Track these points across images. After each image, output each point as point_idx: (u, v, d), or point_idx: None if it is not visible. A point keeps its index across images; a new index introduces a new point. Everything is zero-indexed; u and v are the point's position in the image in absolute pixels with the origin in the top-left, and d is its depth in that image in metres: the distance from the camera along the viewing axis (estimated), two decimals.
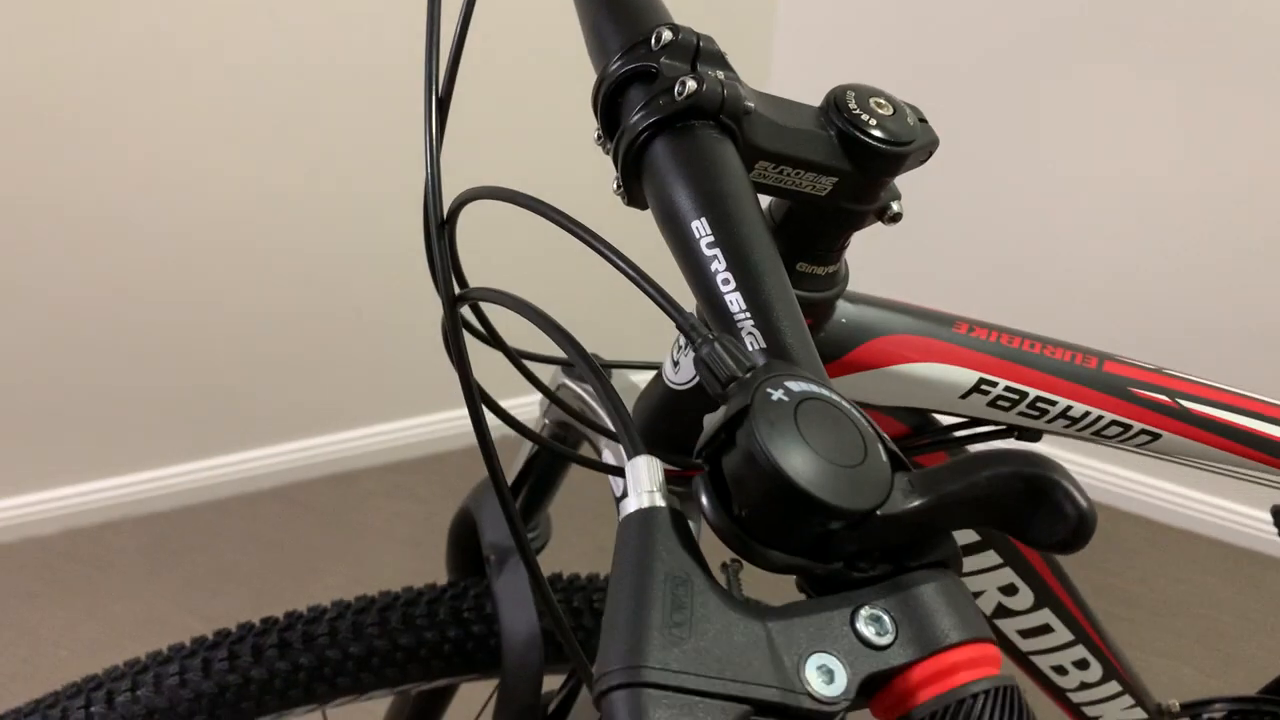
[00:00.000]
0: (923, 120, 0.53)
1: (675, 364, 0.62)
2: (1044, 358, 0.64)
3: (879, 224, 0.56)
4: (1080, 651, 0.84)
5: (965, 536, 0.74)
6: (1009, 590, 0.79)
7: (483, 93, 1.82)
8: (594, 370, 0.40)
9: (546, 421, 0.79)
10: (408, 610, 0.76)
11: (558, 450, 0.66)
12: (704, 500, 0.33)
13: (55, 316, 1.90)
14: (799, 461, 0.31)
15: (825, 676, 0.31)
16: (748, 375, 0.35)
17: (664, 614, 0.31)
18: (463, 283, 0.54)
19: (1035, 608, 0.80)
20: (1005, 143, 2.22)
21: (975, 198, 2.28)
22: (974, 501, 0.33)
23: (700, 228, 0.43)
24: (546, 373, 0.76)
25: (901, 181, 0.54)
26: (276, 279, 2.04)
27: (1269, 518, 1.22)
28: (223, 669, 0.73)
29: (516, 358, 0.60)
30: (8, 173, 1.76)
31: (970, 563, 0.76)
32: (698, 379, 0.60)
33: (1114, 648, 0.88)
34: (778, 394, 0.33)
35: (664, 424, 0.64)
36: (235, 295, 2.02)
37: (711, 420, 0.34)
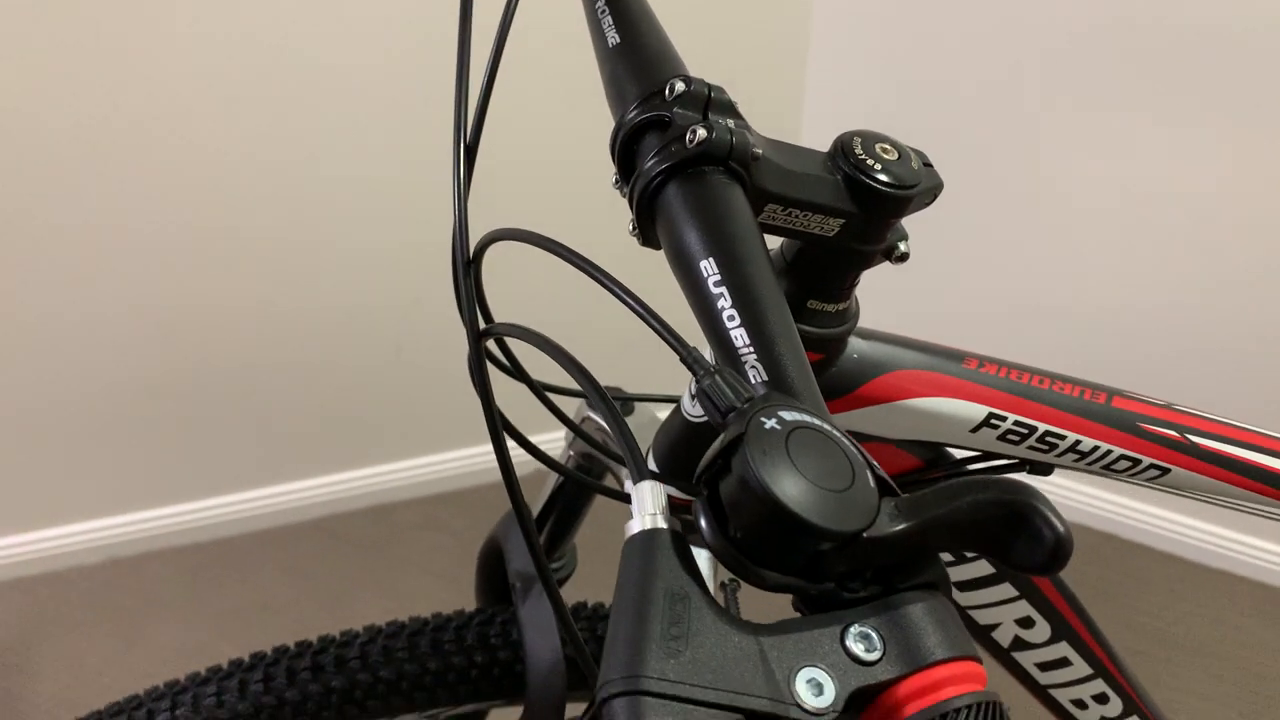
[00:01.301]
0: (928, 165, 0.55)
1: (693, 397, 0.64)
2: (1053, 393, 0.65)
3: (887, 263, 0.58)
4: (1099, 685, 0.85)
5: (981, 569, 0.76)
6: (1025, 623, 0.80)
7: (512, 139, 1.86)
8: (605, 401, 0.43)
9: (571, 454, 0.81)
10: (436, 636, 0.79)
11: (579, 480, 0.68)
12: (702, 523, 0.36)
13: (102, 347, 1.95)
14: (789, 486, 0.34)
15: (814, 689, 0.33)
16: (745, 405, 0.37)
17: (662, 627, 0.33)
18: (488, 318, 0.57)
19: (1052, 640, 0.81)
20: (1019, 184, 2.24)
21: (985, 237, 2.29)
22: (957, 526, 0.35)
23: (708, 267, 0.45)
24: (572, 406, 0.78)
25: (915, 220, 0.56)
26: (318, 318, 2.09)
27: None
28: (258, 690, 0.76)
29: (540, 390, 0.62)
30: (57, 193, 1.82)
31: (986, 595, 0.77)
32: None
33: (1135, 683, 0.88)
34: (771, 423, 0.35)
35: (682, 454, 0.66)
36: (278, 332, 2.07)
37: (710, 451, 0.36)
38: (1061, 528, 0.34)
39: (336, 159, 1.99)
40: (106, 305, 1.92)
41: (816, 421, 0.36)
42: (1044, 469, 0.68)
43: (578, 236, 0.49)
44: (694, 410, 0.64)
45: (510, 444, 0.55)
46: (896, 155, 0.54)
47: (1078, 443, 0.65)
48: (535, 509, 0.85)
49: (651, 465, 0.70)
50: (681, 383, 0.68)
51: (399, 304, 2.13)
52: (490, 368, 0.59)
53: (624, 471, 0.74)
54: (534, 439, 0.57)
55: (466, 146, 0.54)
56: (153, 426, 2.05)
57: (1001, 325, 2.34)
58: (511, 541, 0.80)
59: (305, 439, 2.18)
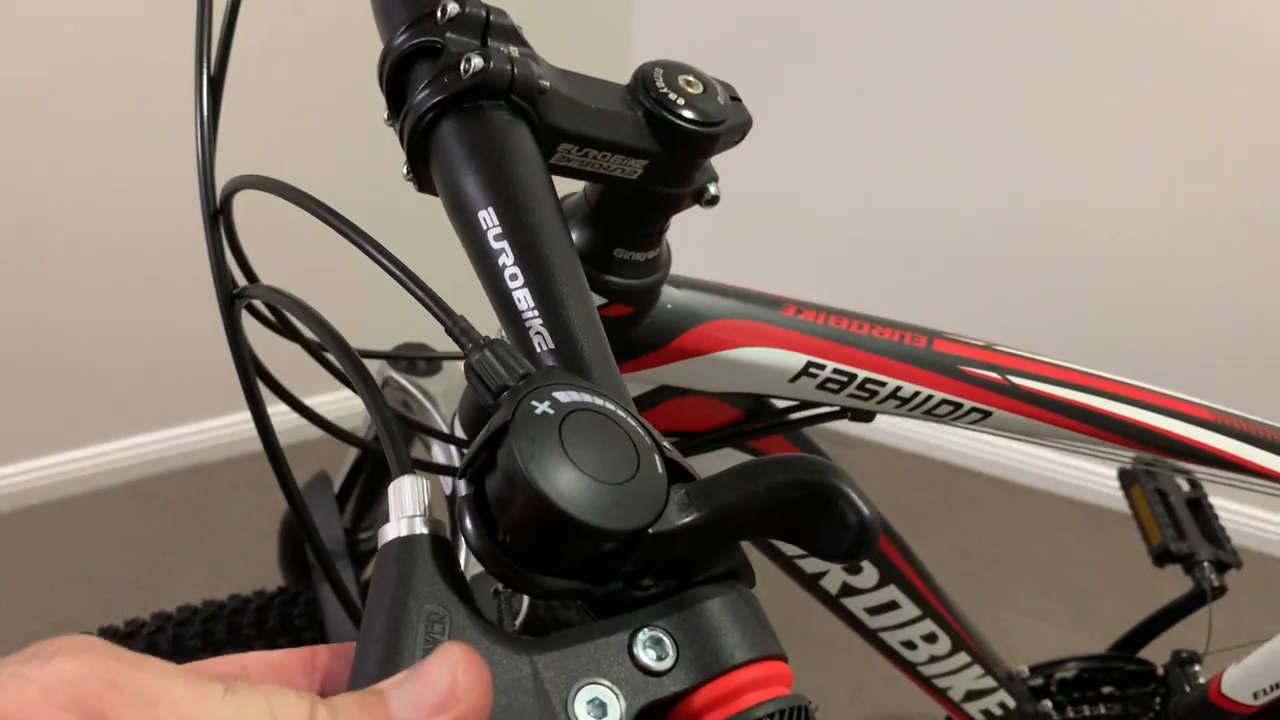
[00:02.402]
0: (735, 99, 0.50)
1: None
2: (872, 338, 0.63)
3: (699, 207, 0.54)
4: (928, 626, 0.85)
5: None
6: (853, 570, 0.79)
7: (264, 68, 1.74)
8: (360, 375, 0.37)
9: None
10: (234, 619, 0.72)
11: (373, 449, 0.62)
12: (467, 524, 0.31)
13: None
14: (561, 481, 0.29)
15: (597, 710, 0.29)
16: (520, 384, 0.32)
17: (416, 654, 0.28)
18: (249, 275, 0.51)
19: (880, 585, 0.80)
20: (846, 111, 2.24)
21: (807, 173, 2.29)
22: (754, 513, 0.31)
23: (487, 218, 0.40)
24: (374, 367, 0.72)
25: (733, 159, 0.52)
26: (116, 268, 1.94)
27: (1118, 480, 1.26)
28: None
29: (317, 351, 0.56)
30: None
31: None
32: None
33: (962, 620, 0.88)
34: (542, 406, 0.30)
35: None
36: (75, 284, 1.91)
37: (477, 440, 0.31)
38: (867, 511, 0.30)
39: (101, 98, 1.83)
40: None
41: (597, 402, 0.32)
42: (865, 416, 0.66)
43: (345, 181, 0.43)
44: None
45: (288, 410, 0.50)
46: (701, 89, 0.49)
47: (898, 389, 0.63)
48: (340, 475, 0.79)
49: (459, 431, 0.65)
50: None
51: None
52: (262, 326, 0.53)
53: (432, 439, 0.68)
54: (330, 398, 0.50)
55: (210, 79, 0.47)
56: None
57: (827, 266, 2.35)
58: (313, 514, 0.73)
59: (111, 398, 2.03)
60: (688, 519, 0.31)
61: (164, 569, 1.85)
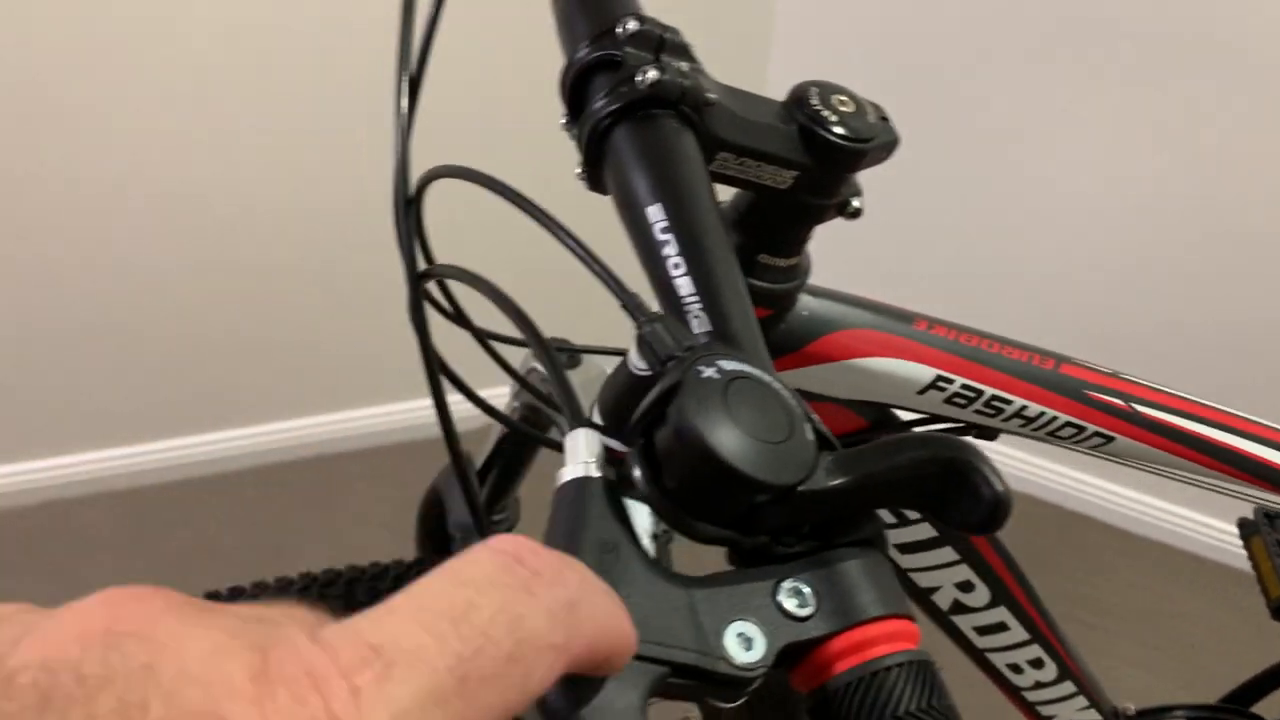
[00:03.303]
0: (884, 119, 0.54)
1: (639, 350, 0.63)
2: (1001, 357, 0.65)
3: (841, 219, 0.57)
4: (1035, 650, 0.86)
5: (924, 531, 0.75)
6: (965, 587, 0.80)
7: (457, 74, 1.82)
8: (543, 347, 0.41)
9: (516, 405, 0.80)
10: (374, 584, 0.77)
11: (519, 429, 0.67)
12: (636, 473, 0.35)
13: (40, 288, 1.90)
14: (724, 436, 0.32)
15: (744, 644, 0.33)
16: (685, 354, 0.36)
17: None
18: (430, 261, 0.56)
19: (991, 605, 0.82)
20: (982, 146, 2.23)
21: (949, 198, 2.29)
22: (895, 482, 0.34)
23: (655, 213, 0.44)
24: (518, 359, 0.77)
25: (880, 178, 0.55)
26: (266, 264, 2.04)
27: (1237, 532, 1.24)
28: None
29: (483, 337, 0.61)
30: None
31: (927, 558, 0.77)
32: None
33: (1070, 649, 0.89)
34: (709, 371, 0.34)
35: (627, 408, 0.64)
36: (225, 275, 2.03)
37: (646, 400, 0.35)
38: (1000, 486, 0.33)
39: (271, 88, 1.94)
40: (46, 246, 1.87)
41: (756, 372, 0.35)
42: (989, 434, 0.68)
43: (523, 180, 0.47)
44: (639, 364, 0.63)
45: (451, 395, 0.54)
46: (854, 108, 0.53)
47: (1024, 408, 0.65)
48: (478, 461, 0.83)
49: (596, 419, 0.69)
50: (628, 337, 0.67)
51: (346, 251, 2.09)
52: (432, 314, 0.58)
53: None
54: (478, 392, 0.55)
55: (411, 79, 0.52)
56: (89, 367, 2.00)
57: (957, 288, 2.34)
58: (452, 493, 0.78)
59: (250, 386, 2.15)
60: (834, 482, 0.34)
61: (289, 550, 1.95)
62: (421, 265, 0.53)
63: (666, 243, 0.43)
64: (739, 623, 0.33)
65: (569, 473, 0.35)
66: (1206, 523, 2.17)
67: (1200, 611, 2.02)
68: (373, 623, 0.21)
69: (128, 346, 2.01)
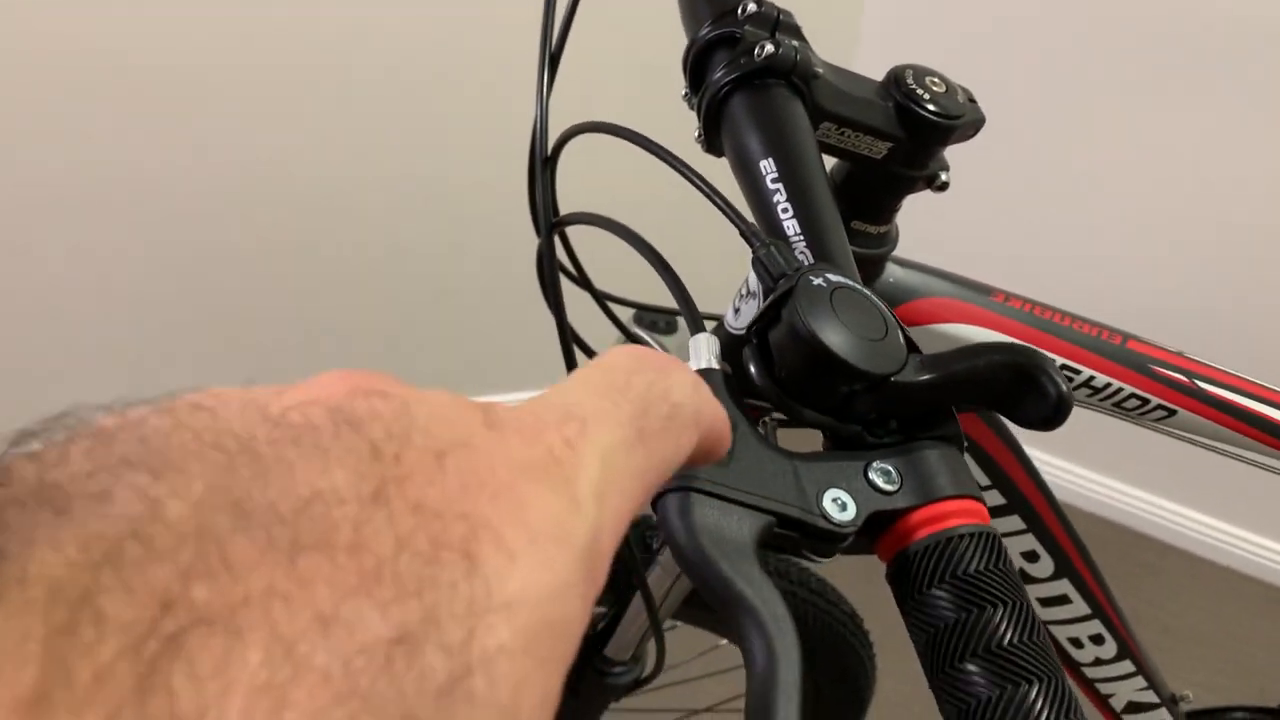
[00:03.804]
0: (972, 100, 0.60)
1: (736, 311, 0.69)
2: (1071, 330, 0.70)
3: (930, 193, 0.63)
4: (1096, 626, 0.90)
5: (993, 498, 0.81)
6: (1030, 557, 0.85)
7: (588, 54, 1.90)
8: (656, 257, 0.48)
9: None
10: None
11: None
12: (751, 367, 0.41)
13: (147, 281, 2.02)
14: (830, 332, 0.39)
15: (838, 506, 0.39)
16: (795, 272, 0.43)
17: None
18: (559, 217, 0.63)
19: (1055, 577, 0.86)
20: (1061, 131, 2.25)
21: (1030, 182, 2.31)
22: (974, 382, 0.40)
23: (767, 166, 0.51)
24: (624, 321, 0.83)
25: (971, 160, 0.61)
26: (363, 260, 2.15)
27: None
28: None
29: (600, 296, 0.68)
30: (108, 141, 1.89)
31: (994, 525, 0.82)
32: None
33: (1131, 631, 0.93)
34: (818, 280, 0.41)
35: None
36: (323, 272, 2.13)
37: (764, 303, 0.42)
38: (1064, 387, 0.39)
39: (408, 86, 2.04)
40: (152, 237, 1.99)
41: (857, 285, 0.42)
42: None
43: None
44: (737, 323, 0.69)
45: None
46: (944, 89, 0.59)
47: (1091, 378, 0.70)
48: None
49: None
50: (724, 304, 0.74)
51: (441, 250, 2.18)
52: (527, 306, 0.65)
53: None
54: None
55: (551, 55, 0.59)
56: (192, 358, 2.12)
57: (1032, 268, 2.35)
58: None
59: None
60: (922, 378, 0.40)
61: None
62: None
63: (776, 191, 0.50)
64: (835, 489, 0.39)
65: (692, 366, 0.42)
66: (1274, 547, 2.16)
67: (1267, 636, 2.01)
68: (559, 394, 0.26)
69: (225, 340, 2.12)
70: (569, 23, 0.61)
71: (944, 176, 0.62)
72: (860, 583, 0.91)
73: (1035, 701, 0.36)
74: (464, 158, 2.12)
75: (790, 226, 0.49)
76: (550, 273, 0.59)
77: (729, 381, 0.41)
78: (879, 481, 0.40)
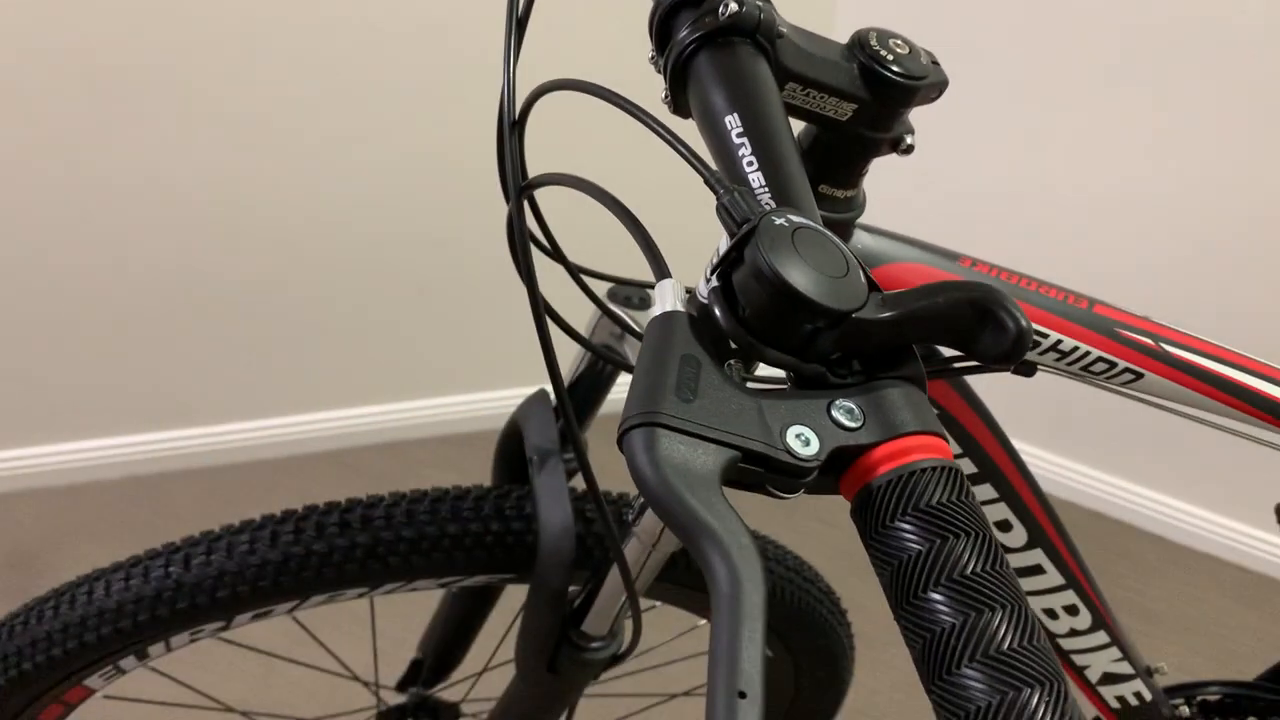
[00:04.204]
0: (935, 62, 0.61)
1: (708, 279, 0.70)
2: (1039, 295, 0.71)
3: (895, 158, 0.64)
4: (1070, 597, 0.91)
5: (965, 467, 0.81)
6: (1004, 526, 0.86)
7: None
8: (623, 210, 0.48)
9: (593, 341, 0.87)
10: (457, 504, 0.85)
11: (609, 359, 0.74)
12: (715, 309, 0.42)
13: (123, 269, 2.01)
14: (793, 270, 0.39)
15: (802, 442, 0.39)
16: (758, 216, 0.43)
17: (677, 381, 0.39)
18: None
19: (1028, 546, 0.87)
20: (1031, 109, 2.26)
21: (1000, 157, 2.32)
22: (934, 318, 0.41)
23: (732, 121, 0.51)
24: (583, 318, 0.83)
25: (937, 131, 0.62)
26: (343, 252, 2.14)
27: None
28: (288, 541, 0.82)
29: (574, 269, 0.68)
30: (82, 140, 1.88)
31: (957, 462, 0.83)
32: None
33: (1105, 601, 0.94)
34: (780, 221, 0.41)
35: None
36: (305, 265, 2.13)
37: (727, 244, 0.42)
38: (1023, 321, 0.40)
39: (362, 74, 2.04)
40: (135, 227, 1.98)
41: (818, 226, 0.42)
42: (1027, 368, 0.74)
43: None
44: (705, 292, 0.70)
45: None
46: (908, 50, 0.60)
47: (1059, 342, 0.71)
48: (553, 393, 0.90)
49: None
50: (696, 278, 0.74)
51: (423, 243, 2.18)
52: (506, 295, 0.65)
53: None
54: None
55: (518, 19, 0.60)
56: (175, 349, 2.11)
57: (1000, 235, 2.35)
58: (532, 420, 0.85)
59: (323, 371, 2.24)
60: (882, 315, 0.41)
61: None
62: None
63: (741, 145, 0.50)
64: (798, 426, 0.40)
65: (657, 310, 0.42)
66: (1249, 532, 2.18)
67: (1247, 622, 2.03)
68: None
69: (205, 331, 2.12)
70: None
71: (909, 140, 0.63)
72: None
73: (999, 627, 0.36)
74: (447, 148, 2.12)
75: (755, 180, 0.49)
76: (520, 239, 0.59)
77: (694, 323, 0.42)
78: (842, 419, 0.40)
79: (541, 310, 0.61)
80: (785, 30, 0.56)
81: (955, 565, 0.38)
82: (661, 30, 0.58)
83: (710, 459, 0.37)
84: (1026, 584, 0.90)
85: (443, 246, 2.18)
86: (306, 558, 0.82)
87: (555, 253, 0.68)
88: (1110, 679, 0.98)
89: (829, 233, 0.43)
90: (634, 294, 0.81)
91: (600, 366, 0.88)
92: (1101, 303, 0.72)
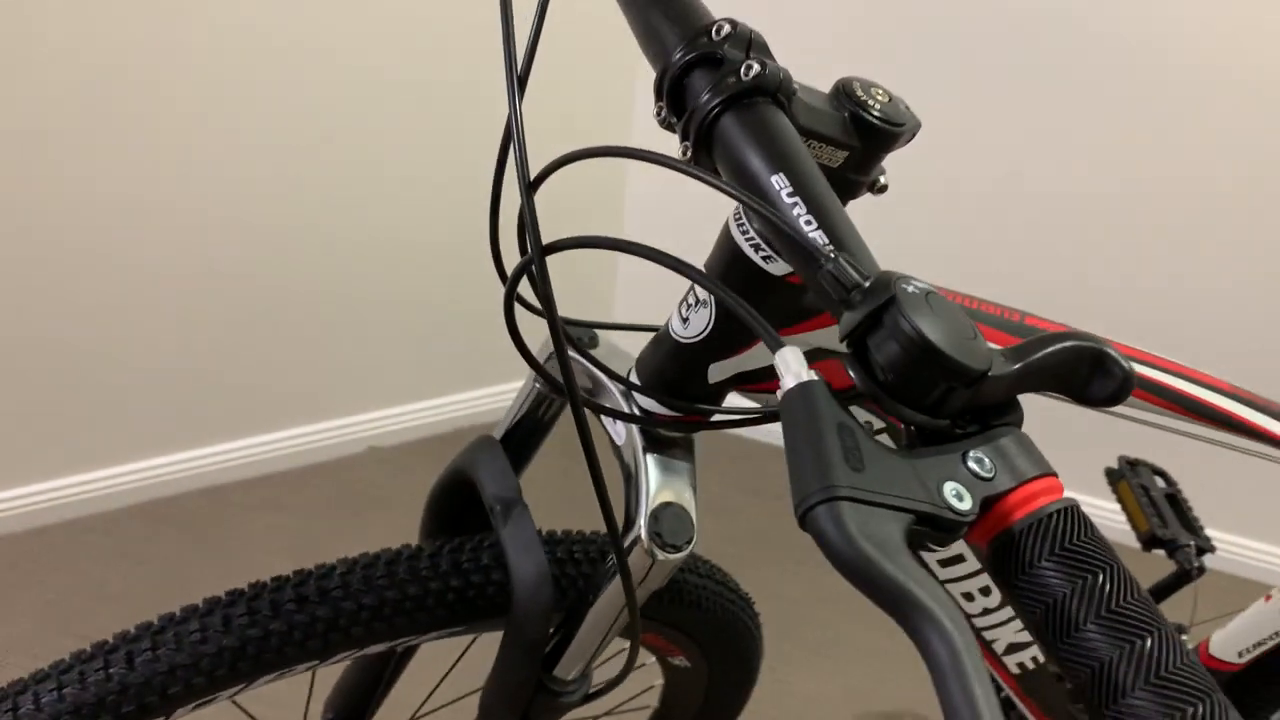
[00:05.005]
0: (908, 108, 0.65)
1: (684, 320, 0.71)
2: (981, 313, 0.76)
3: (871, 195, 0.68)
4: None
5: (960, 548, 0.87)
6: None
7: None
8: (714, 283, 0.49)
9: (536, 386, 0.86)
10: (412, 564, 0.82)
11: (560, 390, 0.74)
12: (853, 373, 0.43)
13: None
14: (939, 335, 0.42)
15: (957, 497, 0.42)
16: (869, 283, 0.45)
17: (841, 452, 0.41)
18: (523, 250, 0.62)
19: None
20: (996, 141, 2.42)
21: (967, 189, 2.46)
22: (1051, 369, 0.45)
23: (779, 181, 0.53)
24: (534, 346, 0.83)
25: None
26: (144, 285, 2.01)
27: None
28: (243, 624, 0.78)
29: (561, 334, 0.66)
30: None
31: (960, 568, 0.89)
32: (706, 333, 0.70)
33: None
34: (911, 288, 0.43)
35: (671, 374, 0.73)
36: (99, 307, 1.98)
37: (852, 315, 0.44)
38: (1127, 366, 0.44)
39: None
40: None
41: (936, 291, 0.45)
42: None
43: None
44: (685, 332, 0.71)
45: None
46: (888, 98, 0.63)
47: None
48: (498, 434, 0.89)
49: (634, 379, 0.76)
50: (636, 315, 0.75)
51: (234, 271, 2.07)
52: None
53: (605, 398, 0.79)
54: (485, 390, 0.62)
55: (518, 77, 0.59)
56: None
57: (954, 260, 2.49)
58: (484, 469, 0.84)
59: (117, 420, 2.09)
60: (1013, 368, 0.44)
61: (185, 583, 1.91)
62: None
63: (795, 204, 0.52)
64: (951, 482, 0.42)
65: (791, 381, 0.44)
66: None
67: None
68: None
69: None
70: (534, 44, 0.60)
71: (883, 180, 0.67)
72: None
73: (1153, 652, 0.40)
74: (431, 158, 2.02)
75: (819, 237, 0.51)
76: (544, 296, 0.58)
77: (831, 389, 0.44)
78: (977, 469, 0.43)
79: (583, 414, 0.60)
80: (798, 87, 0.58)
81: (1103, 600, 0.41)
82: (674, 92, 0.59)
83: (893, 525, 0.39)
84: (948, 573, 0.96)
85: (250, 279, 2.08)
86: (265, 639, 0.78)
87: (550, 315, 0.65)
88: (1014, 648, 1.06)
89: (942, 295, 0.45)
90: (584, 334, 0.81)
91: (541, 411, 0.88)
92: (1031, 315, 0.79)
